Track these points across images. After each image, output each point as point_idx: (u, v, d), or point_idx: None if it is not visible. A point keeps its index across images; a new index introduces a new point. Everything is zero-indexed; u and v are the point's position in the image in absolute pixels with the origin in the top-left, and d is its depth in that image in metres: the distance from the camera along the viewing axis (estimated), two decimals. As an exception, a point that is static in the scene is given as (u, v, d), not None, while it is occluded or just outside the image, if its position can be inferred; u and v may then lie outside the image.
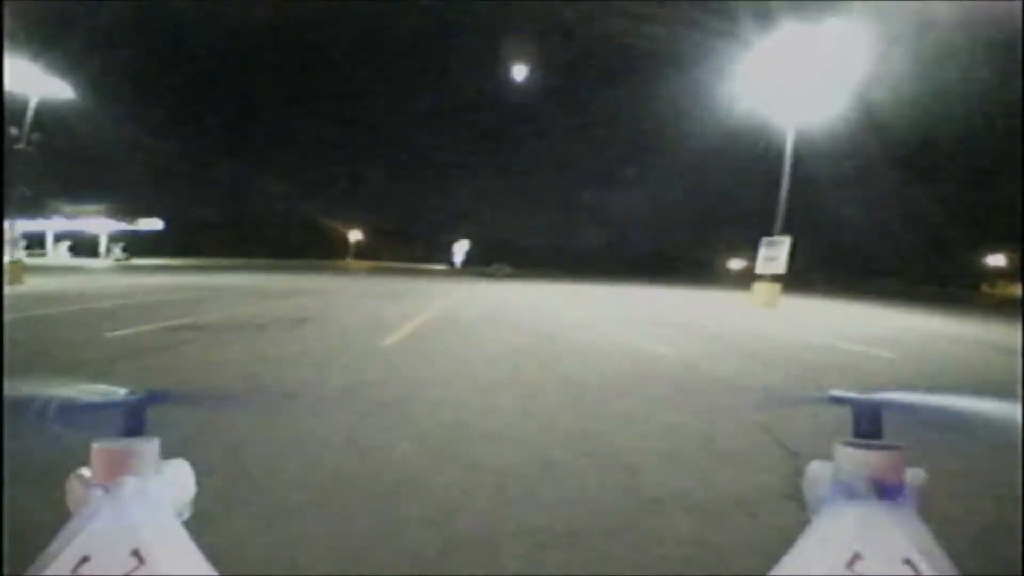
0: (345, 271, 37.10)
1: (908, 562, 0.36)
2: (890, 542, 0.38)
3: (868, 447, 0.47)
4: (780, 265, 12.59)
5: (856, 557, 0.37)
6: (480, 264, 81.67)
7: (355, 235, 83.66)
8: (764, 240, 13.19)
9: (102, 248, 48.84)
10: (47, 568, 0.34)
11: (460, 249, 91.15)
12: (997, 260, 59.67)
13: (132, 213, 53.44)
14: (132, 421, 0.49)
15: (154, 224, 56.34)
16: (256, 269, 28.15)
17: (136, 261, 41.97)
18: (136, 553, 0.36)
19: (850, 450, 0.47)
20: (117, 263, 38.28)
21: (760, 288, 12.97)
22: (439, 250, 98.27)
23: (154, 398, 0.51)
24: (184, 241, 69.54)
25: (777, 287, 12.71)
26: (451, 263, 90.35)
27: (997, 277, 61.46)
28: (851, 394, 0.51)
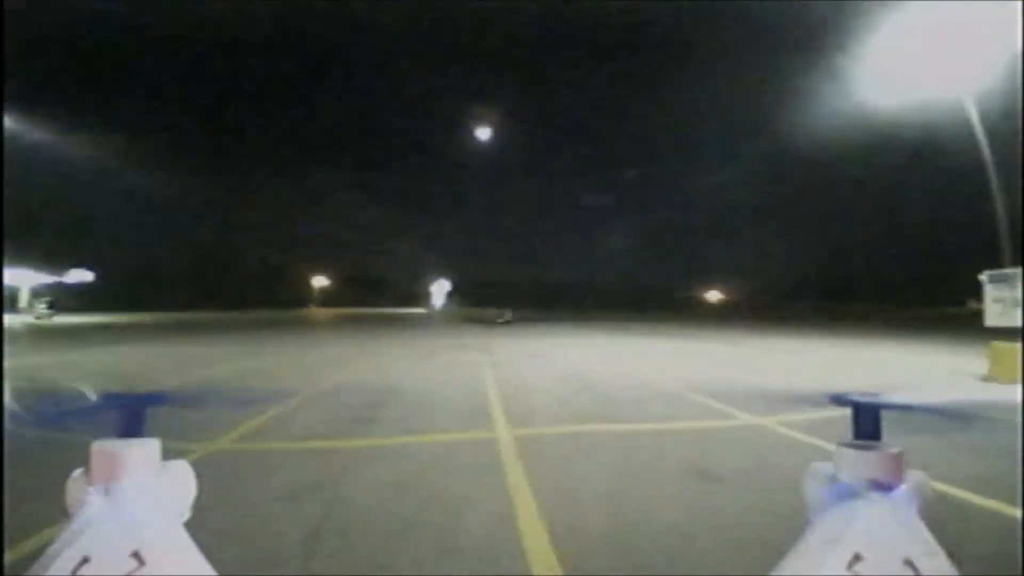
0: (303, 323, 30.48)
1: (908, 562, 0.36)
2: (890, 542, 0.39)
3: (868, 448, 0.47)
4: (1031, 313, 7.70)
5: (856, 557, 0.37)
6: (463, 306, 75.93)
7: (320, 281, 77.61)
8: (988, 275, 8.32)
9: (22, 303, 42.05)
10: (48, 569, 0.35)
11: (439, 290, 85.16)
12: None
13: (61, 263, 47.26)
14: (132, 422, 0.49)
15: (83, 276, 50.31)
16: (176, 330, 21.38)
17: (61, 319, 35.54)
18: (136, 554, 0.36)
19: (850, 451, 0.47)
20: (38, 320, 33.78)
21: (1001, 353, 7.95)
22: (415, 292, 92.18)
23: (153, 399, 0.51)
24: (125, 293, 62.11)
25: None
26: (430, 306, 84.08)
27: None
28: (851, 395, 0.52)
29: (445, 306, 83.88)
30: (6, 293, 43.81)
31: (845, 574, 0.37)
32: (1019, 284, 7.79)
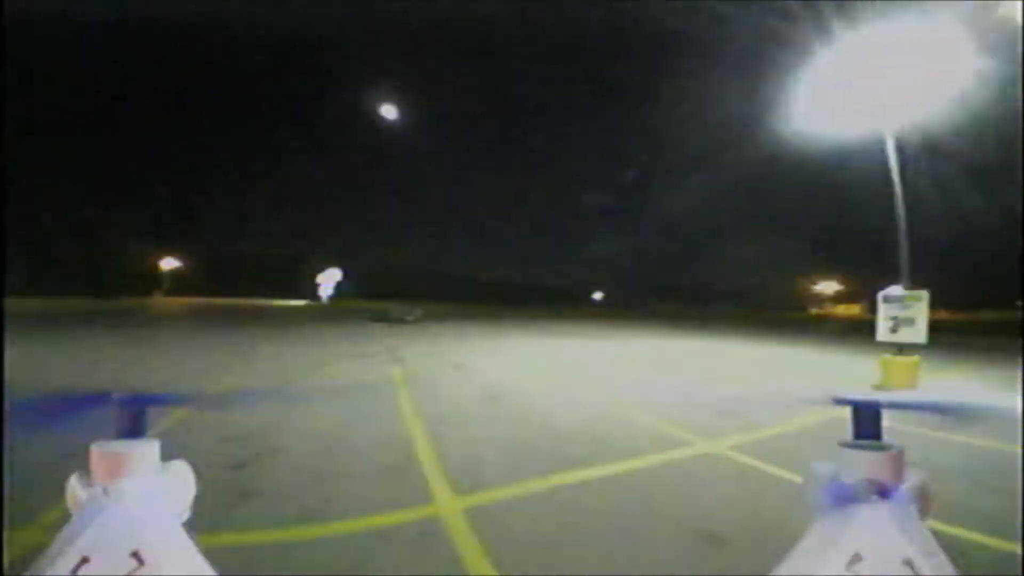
0: (143, 318, 24.38)
1: (908, 562, 0.36)
2: (890, 542, 0.38)
3: (868, 448, 0.47)
4: (919, 332, 8.47)
5: (856, 557, 0.37)
6: (357, 299, 70.17)
7: (169, 263, 64.46)
8: (884, 295, 9.03)
9: None
10: (47, 568, 0.35)
11: (328, 280, 77.55)
12: (829, 286, 72.70)
13: None
14: (132, 423, 0.49)
15: None
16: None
17: None
18: (136, 554, 0.36)
19: (851, 451, 0.47)
20: None
21: (892, 366, 8.67)
22: (297, 280, 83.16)
23: (154, 400, 0.51)
24: None
25: (916, 362, 8.55)
26: (316, 297, 76.46)
27: (824, 301, 75.21)
28: (851, 395, 0.51)
29: (335, 298, 76.78)
30: None
31: (845, 574, 0.36)
32: (911, 305, 8.52)
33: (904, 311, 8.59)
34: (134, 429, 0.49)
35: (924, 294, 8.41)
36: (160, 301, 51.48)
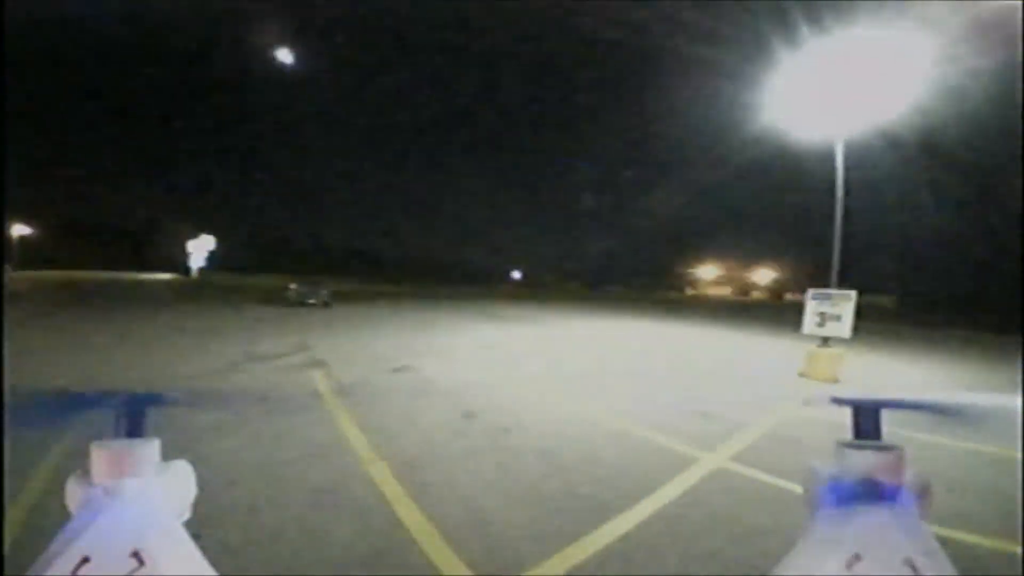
0: None
1: (908, 562, 0.36)
2: (890, 542, 0.38)
3: (868, 448, 0.46)
4: (844, 328, 9.22)
5: (856, 558, 0.37)
6: (237, 275, 61.53)
7: (20, 230, 53.94)
8: (812, 293, 9.67)
9: None
10: (48, 568, 0.35)
11: (200, 249, 66.67)
12: (707, 272, 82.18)
13: None
14: (132, 422, 0.48)
15: None
16: None
17: None
18: (136, 554, 0.36)
19: (850, 451, 0.47)
20: None
21: (818, 357, 9.37)
22: (164, 250, 71.10)
23: (154, 399, 0.50)
24: None
25: (840, 354, 9.33)
26: (185, 270, 65.67)
27: (701, 284, 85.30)
28: (851, 396, 0.51)
29: (208, 270, 66.42)
30: None
31: (845, 574, 0.36)
32: (839, 303, 9.19)
33: (832, 308, 9.28)
34: (134, 429, 0.47)
35: (852, 294, 9.15)
36: (13, 276, 39.71)
